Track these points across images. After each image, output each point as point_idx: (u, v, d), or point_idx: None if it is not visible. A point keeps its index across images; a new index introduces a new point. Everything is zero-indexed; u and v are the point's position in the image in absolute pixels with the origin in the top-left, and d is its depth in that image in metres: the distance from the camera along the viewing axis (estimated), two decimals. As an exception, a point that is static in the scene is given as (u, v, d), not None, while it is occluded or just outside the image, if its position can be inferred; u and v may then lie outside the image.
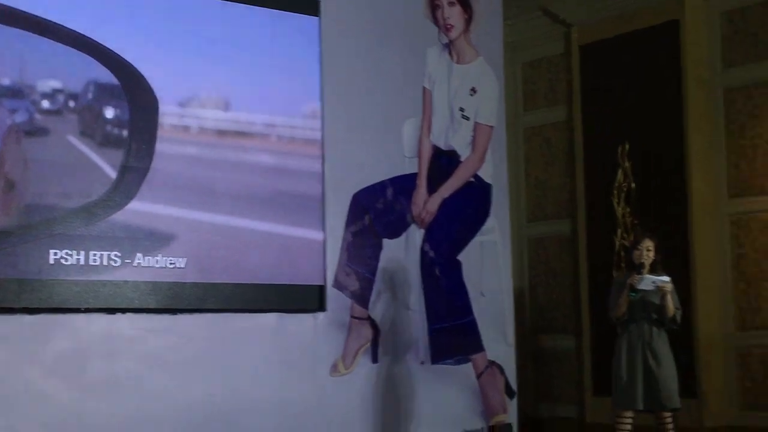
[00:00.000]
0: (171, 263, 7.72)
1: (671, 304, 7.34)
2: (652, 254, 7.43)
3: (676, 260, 9.77)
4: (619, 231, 10.22)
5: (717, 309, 9.93)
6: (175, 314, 7.71)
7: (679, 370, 9.59)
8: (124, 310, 7.48)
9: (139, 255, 7.58)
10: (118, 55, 7.51)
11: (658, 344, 7.38)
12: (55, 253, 7.28)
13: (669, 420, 7.43)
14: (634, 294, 7.26)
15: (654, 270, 7.39)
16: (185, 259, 7.81)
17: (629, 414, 7.43)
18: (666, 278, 7.29)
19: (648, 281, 7.24)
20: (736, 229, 9.91)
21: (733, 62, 9.98)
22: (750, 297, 9.76)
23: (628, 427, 7.39)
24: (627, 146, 10.43)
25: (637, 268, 7.37)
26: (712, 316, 9.88)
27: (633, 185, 10.39)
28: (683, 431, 9.62)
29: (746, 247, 9.82)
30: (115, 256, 7.48)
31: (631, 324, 7.41)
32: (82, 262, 7.35)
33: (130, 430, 7.32)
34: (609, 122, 10.58)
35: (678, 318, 7.47)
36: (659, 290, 7.27)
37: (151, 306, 7.61)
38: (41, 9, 7.26)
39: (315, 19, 8.59)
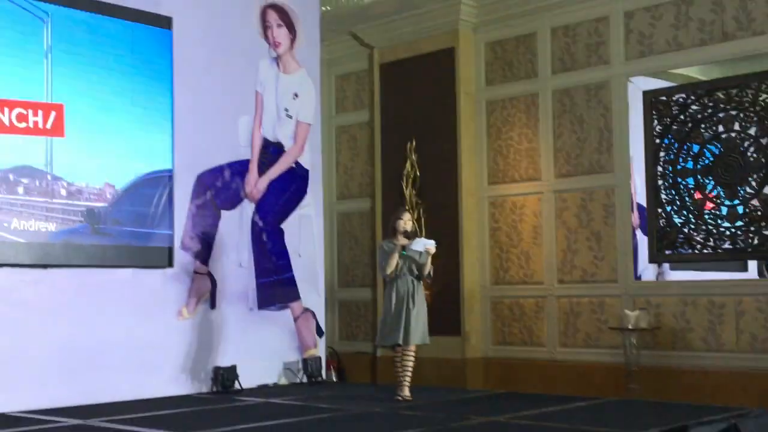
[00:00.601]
0: (43, 228, 7.57)
1: (430, 263, 7.38)
2: (410, 224, 7.54)
3: (448, 231, 10.09)
4: (406, 207, 10.42)
5: (478, 268, 10.19)
6: (46, 268, 7.57)
7: (448, 315, 10.00)
8: (2, 265, 7.30)
9: (15, 220, 7.41)
10: None
11: (417, 294, 7.39)
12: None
13: (412, 352, 7.37)
14: (404, 252, 7.28)
15: (411, 235, 7.43)
16: (55, 223, 7.66)
17: (398, 348, 7.37)
18: (432, 242, 7.38)
19: (420, 243, 7.31)
20: (492, 209, 10.19)
21: (492, 81, 10.23)
22: (502, 260, 10.10)
23: (399, 356, 7.35)
24: (414, 143, 10.54)
25: (405, 235, 7.39)
26: (474, 274, 10.16)
27: (418, 173, 10.52)
28: (451, 362, 9.99)
29: (500, 222, 10.13)
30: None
31: (399, 279, 7.36)
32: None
33: (7, 366, 7.15)
34: (401, 124, 10.70)
35: (431, 274, 7.54)
36: (426, 251, 7.30)
37: (26, 262, 7.45)
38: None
39: (169, 32, 8.50)
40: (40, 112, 7.57)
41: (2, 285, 7.28)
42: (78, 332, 7.62)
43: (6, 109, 7.36)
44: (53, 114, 7.64)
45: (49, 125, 7.61)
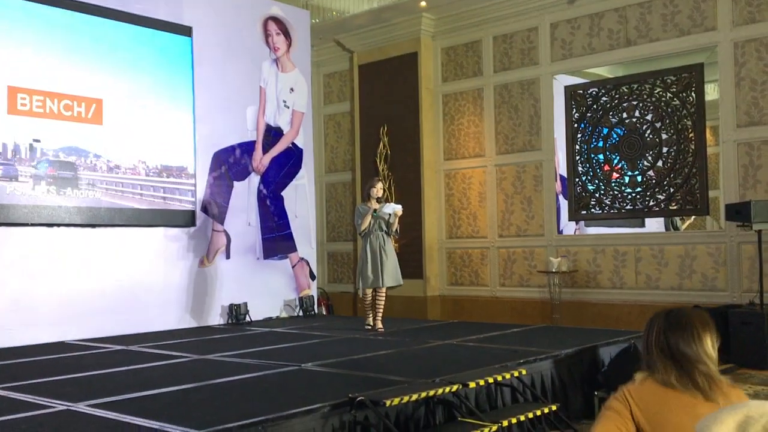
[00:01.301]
0: (90, 195, 7.47)
1: (397, 222, 7.32)
2: (382, 191, 7.40)
3: (413, 197, 10.11)
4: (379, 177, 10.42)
5: (436, 226, 10.24)
6: (95, 228, 7.49)
7: (413, 262, 10.03)
8: (58, 225, 7.22)
9: (69, 189, 7.31)
10: None
11: (387, 246, 7.27)
12: (12, 187, 6.93)
13: (383, 293, 7.29)
14: (376, 214, 7.19)
15: (381, 200, 7.33)
16: (100, 192, 7.57)
17: (370, 291, 7.28)
18: (400, 206, 7.31)
19: (390, 207, 7.25)
20: (447, 179, 10.22)
21: (447, 78, 10.23)
22: (454, 219, 10.15)
23: (369, 298, 7.27)
24: (386, 127, 10.56)
25: (377, 200, 7.28)
26: (433, 230, 10.21)
27: (389, 151, 10.55)
28: (415, 299, 10.06)
29: (453, 189, 10.16)
30: (52, 189, 7.18)
31: (371, 234, 7.23)
32: (28, 192, 7.02)
33: (64, 304, 7.12)
34: (375, 112, 10.70)
35: (398, 231, 7.45)
36: (395, 213, 7.23)
37: (77, 222, 7.37)
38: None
39: (189, 38, 8.37)
40: (83, 104, 7.45)
41: (61, 241, 7.19)
42: (121, 277, 7.57)
43: (56, 101, 7.26)
44: (94, 106, 7.53)
45: (90, 115, 7.49)
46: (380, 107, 10.66)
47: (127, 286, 7.60)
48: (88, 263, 7.35)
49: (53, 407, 3.98)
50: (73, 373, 5.11)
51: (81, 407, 3.94)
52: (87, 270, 7.33)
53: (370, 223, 7.23)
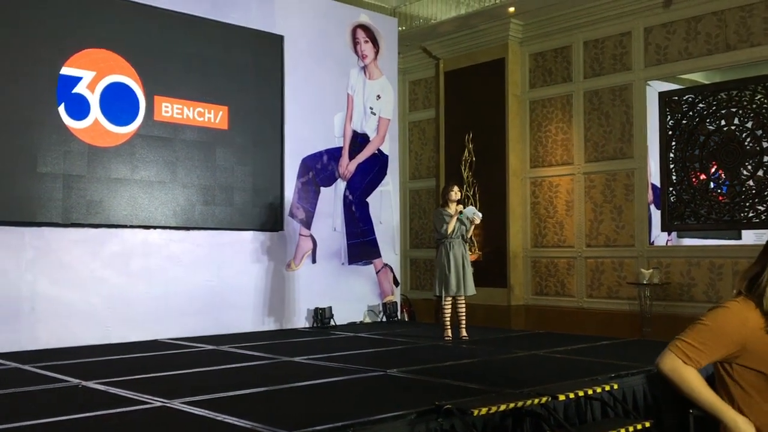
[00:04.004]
0: (185, 199, 7.71)
1: (473, 230, 7.19)
2: (459, 194, 7.22)
3: (497, 205, 10.01)
4: (464, 186, 10.39)
5: (521, 234, 10.10)
6: (189, 230, 7.73)
7: (497, 271, 9.92)
8: (155, 227, 7.48)
9: (162, 193, 7.57)
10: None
11: (465, 254, 7.14)
12: (114, 190, 7.23)
13: (464, 301, 7.18)
14: (462, 214, 7.03)
15: (464, 203, 7.20)
16: (195, 195, 7.81)
17: (450, 300, 7.15)
18: (480, 214, 7.17)
19: (471, 210, 7.11)
20: (533, 187, 10.08)
21: (535, 85, 10.10)
22: (540, 227, 9.98)
23: (449, 308, 7.13)
24: (471, 135, 10.51)
25: (459, 203, 7.17)
26: (518, 239, 10.07)
27: (473, 159, 10.49)
28: (499, 308, 9.93)
29: (539, 197, 10.00)
30: (146, 195, 7.44)
31: (454, 240, 7.05)
32: (127, 197, 7.30)
33: (158, 303, 7.36)
34: (461, 119, 10.66)
35: (472, 239, 7.29)
36: (472, 220, 7.06)
37: (172, 224, 7.62)
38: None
39: (281, 47, 8.53)
40: (213, 111, 7.86)
41: (156, 242, 7.46)
42: (212, 279, 7.77)
43: (192, 107, 7.71)
44: (221, 113, 7.94)
45: (217, 120, 7.91)
46: (465, 114, 10.61)
47: (217, 288, 7.79)
48: (180, 264, 7.59)
49: (150, 403, 4.12)
50: (167, 371, 5.28)
51: (176, 404, 4.06)
52: (180, 270, 7.57)
53: (454, 227, 7.10)
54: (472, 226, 7.16)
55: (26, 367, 5.48)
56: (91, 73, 7.07)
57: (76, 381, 4.81)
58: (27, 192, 6.66)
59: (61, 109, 6.87)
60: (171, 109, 7.58)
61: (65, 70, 6.90)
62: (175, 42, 7.68)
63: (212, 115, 7.89)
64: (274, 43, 8.46)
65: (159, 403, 4.10)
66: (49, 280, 6.68)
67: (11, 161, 6.58)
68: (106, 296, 7.03)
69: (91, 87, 7.07)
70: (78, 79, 6.99)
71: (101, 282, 7.01)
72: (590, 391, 4.44)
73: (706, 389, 2.23)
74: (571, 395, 4.32)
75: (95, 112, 7.08)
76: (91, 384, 4.71)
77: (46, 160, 6.77)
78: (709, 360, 2.24)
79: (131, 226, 7.29)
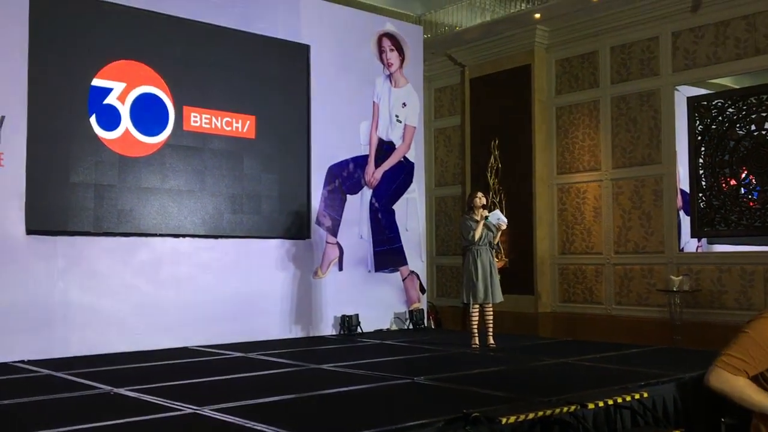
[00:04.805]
0: (214, 208, 7.79)
1: (499, 236, 7.16)
2: (483, 200, 7.17)
3: (524, 211, 9.97)
4: (490, 193, 10.36)
5: (548, 241, 10.04)
6: (217, 239, 7.80)
7: (524, 278, 9.87)
8: (184, 235, 7.57)
9: (191, 202, 7.65)
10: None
11: (493, 261, 7.10)
12: (144, 199, 7.33)
13: (491, 309, 7.12)
14: (487, 220, 6.95)
15: (489, 209, 7.13)
16: (224, 204, 7.88)
17: (478, 308, 7.09)
18: (505, 219, 7.12)
19: (495, 216, 7.06)
20: (560, 193, 10.01)
21: (561, 91, 10.05)
22: (567, 234, 9.92)
23: (477, 315, 7.09)
24: (497, 141, 10.48)
25: (485, 208, 7.11)
26: (545, 245, 10.01)
27: (500, 165, 10.46)
28: (526, 315, 9.87)
29: (566, 204, 9.94)
30: (175, 204, 7.53)
31: (481, 246, 7.01)
32: (157, 206, 7.40)
33: (187, 310, 7.44)
34: (486, 126, 10.64)
35: (499, 246, 7.22)
36: (498, 226, 7.01)
37: (201, 233, 7.70)
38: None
39: (307, 56, 8.59)
40: (240, 120, 7.96)
41: (186, 251, 7.55)
42: (240, 286, 7.83)
43: (219, 117, 7.85)
44: (248, 122, 8.05)
45: (245, 129, 8.02)
46: (491, 121, 10.59)
47: (245, 295, 7.85)
48: (209, 272, 7.66)
49: (181, 410, 4.17)
50: (197, 378, 5.34)
51: (206, 411, 4.11)
52: (209, 278, 7.64)
53: (481, 234, 7.05)
54: (499, 232, 7.12)
55: (59, 374, 5.57)
56: (121, 85, 7.20)
57: (107, 388, 4.89)
58: (59, 201, 6.78)
59: (93, 120, 7.00)
60: (200, 119, 7.70)
61: (96, 82, 7.04)
62: (204, 53, 7.78)
63: (240, 125, 7.99)
64: (301, 52, 8.54)
65: (189, 410, 4.15)
66: (80, 288, 6.79)
67: (44, 172, 6.71)
68: (137, 304, 7.13)
69: (122, 98, 7.20)
70: (109, 91, 7.12)
71: (131, 290, 7.11)
72: (620, 400, 4.40)
73: (759, 393, 2.19)
74: (601, 404, 4.29)
75: (126, 122, 7.21)
76: (122, 391, 4.78)
77: (78, 170, 6.90)
78: (757, 370, 2.20)
79: (161, 235, 7.38)
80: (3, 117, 6.49)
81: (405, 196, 9.54)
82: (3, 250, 6.41)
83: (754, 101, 8.12)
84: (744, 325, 2.24)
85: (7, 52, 6.53)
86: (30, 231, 6.57)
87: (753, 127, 8.11)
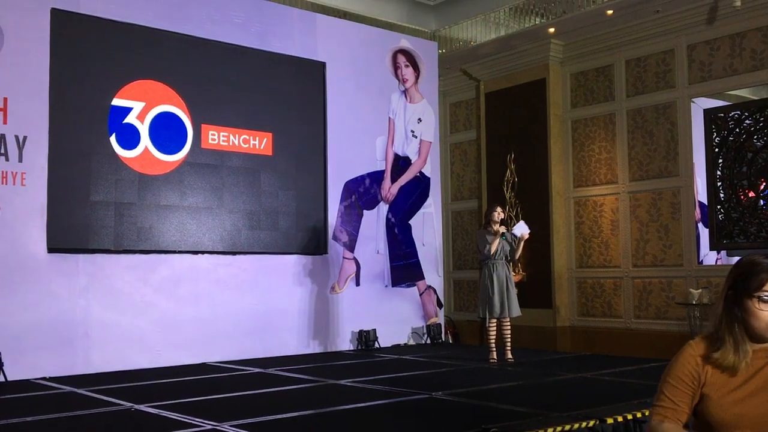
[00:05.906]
0: (232, 224, 7.87)
1: (521, 248, 7.10)
2: (502, 215, 7.17)
3: (541, 225, 9.94)
4: (506, 206, 10.34)
5: (565, 255, 9.99)
6: (235, 255, 7.88)
7: (541, 292, 9.84)
8: (203, 252, 7.65)
9: (209, 219, 7.73)
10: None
11: (509, 275, 7.10)
12: (163, 216, 7.42)
13: (509, 323, 7.10)
14: (503, 237, 6.97)
15: (507, 223, 7.10)
16: (243, 219, 7.96)
17: (495, 322, 7.08)
18: (527, 228, 7.07)
19: (519, 229, 7.01)
20: (577, 207, 9.97)
21: (576, 104, 10.03)
22: (585, 247, 9.88)
23: (494, 329, 7.07)
24: (512, 155, 10.47)
25: (503, 223, 7.12)
26: (562, 259, 9.96)
27: (516, 179, 10.45)
28: (544, 329, 9.83)
29: (584, 217, 9.90)
30: (194, 221, 7.61)
31: (497, 260, 7.01)
32: (176, 223, 7.48)
33: (206, 326, 7.51)
34: (502, 140, 10.64)
35: (518, 258, 7.24)
36: (521, 237, 6.97)
37: (219, 249, 7.78)
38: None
39: (323, 73, 8.68)
40: (257, 138, 8.08)
41: (203, 267, 7.63)
42: (258, 302, 7.90)
43: (237, 135, 7.96)
44: (266, 139, 8.18)
45: (262, 146, 8.13)
46: (507, 135, 10.60)
47: (263, 311, 7.91)
48: (227, 288, 7.74)
49: (201, 426, 4.22)
50: (216, 394, 5.39)
51: (226, 427, 4.15)
52: (227, 294, 7.71)
53: (497, 249, 7.06)
54: (521, 244, 7.08)
55: (81, 390, 5.64)
56: (140, 104, 7.32)
57: (128, 404, 4.95)
58: (80, 220, 6.90)
59: (113, 139, 7.12)
60: (218, 137, 7.81)
61: (116, 102, 7.17)
62: (221, 71, 7.90)
63: (257, 142, 8.08)
64: (317, 69, 8.64)
65: (209, 426, 4.19)
66: (101, 305, 6.88)
67: (66, 190, 6.83)
68: (156, 320, 7.20)
69: (141, 117, 7.32)
70: (128, 110, 7.24)
71: (151, 306, 7.19)
72: (639, 414, 4.39)
73: None
74: (620, 418, 4.29)
75: (145, 141, 7.32)
76: (143, 407, 4.84)
77: (98, 188, 7.01)
78: (687, 411, 2.17)
79: (180, 252, 7.47)
80: (25, 137, 6.62)
81: (421, 210, 9.58)
82: (25, 269, 6.52)
83: (771, 113, 8.09)
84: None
85: (28, 73, 6.67)
86: (51, 249, 6.68)
87: (771, 139, 8.07)
